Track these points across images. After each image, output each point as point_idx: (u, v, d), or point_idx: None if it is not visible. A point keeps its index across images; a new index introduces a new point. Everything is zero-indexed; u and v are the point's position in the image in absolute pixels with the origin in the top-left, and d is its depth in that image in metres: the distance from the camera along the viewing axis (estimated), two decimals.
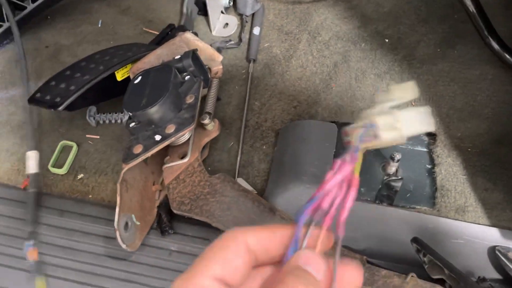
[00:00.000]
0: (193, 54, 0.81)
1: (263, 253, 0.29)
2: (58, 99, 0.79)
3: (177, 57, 0.82)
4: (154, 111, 0.75)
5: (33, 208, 0.81)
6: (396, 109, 0.30)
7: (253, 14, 1.09)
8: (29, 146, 0.87)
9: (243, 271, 0.28)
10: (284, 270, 0.28)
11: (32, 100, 0.82)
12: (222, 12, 1.10)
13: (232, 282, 0.27)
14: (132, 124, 0.78)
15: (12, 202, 0.84)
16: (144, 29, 1.11)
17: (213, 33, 1.08)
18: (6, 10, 0.90)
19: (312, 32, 1.03)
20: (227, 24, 1.09)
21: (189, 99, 0.78)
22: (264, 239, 0.29)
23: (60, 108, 0.78)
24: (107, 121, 0.93)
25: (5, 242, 0.80)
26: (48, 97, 0.80)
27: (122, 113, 0.93)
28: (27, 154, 0.85)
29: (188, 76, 0.81)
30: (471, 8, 0.79)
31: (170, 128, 0.75)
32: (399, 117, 0.30)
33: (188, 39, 0.89)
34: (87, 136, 0.92)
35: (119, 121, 0.93)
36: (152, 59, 0.87)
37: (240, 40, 1.06)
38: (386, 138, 0.29)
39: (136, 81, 0.80)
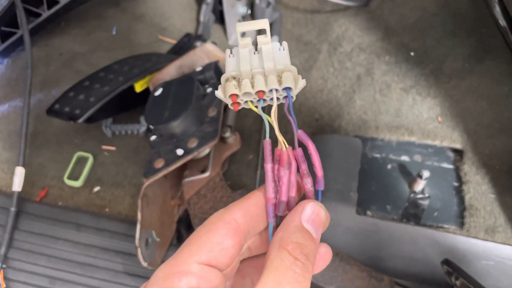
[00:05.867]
0: (215, 66, 0.79)
1: (253, 228, 0.28)
2: (77, 111, 0.76)
3: (199, 68, 0.80)
4: (177, 125, 0.73)
5: (11, 229, 0.78)
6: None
7: (271, 23, 1.07)
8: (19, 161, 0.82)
9: (232, 252, 0.27)
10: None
11: (51, 111, 0.79)
12: (239, 20, 1.08)
13: (220, 265, 0.26)
14: (153, 137, 0.76)
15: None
16: (159, 37, 1.09)
17: (230, 42, 1.06)
18: (21, 17, 0.88)
19: (333, 42, 1.00)
20: (244, 33, 1.07)
21: (211, 112, 0.76)
22: (251, 210, 0.29)
23: (80, 120, 0.76)
24: (123, 132, 0.91)
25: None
26: (67, 109, 0.78)
27: (138, 124, 0.91)
28: (15, 170, 0.81)
29: (210, 89, 0.79)
30: (502, 22, 0.76)
31: (193, 142, 0.73)
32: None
33: (209, 50, 0.86)
34: (103, 147, 0.90)
35: (135, 132, 0.91)
36: (172, 70, 0.84)
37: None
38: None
39: (156, 93, 0.78)
